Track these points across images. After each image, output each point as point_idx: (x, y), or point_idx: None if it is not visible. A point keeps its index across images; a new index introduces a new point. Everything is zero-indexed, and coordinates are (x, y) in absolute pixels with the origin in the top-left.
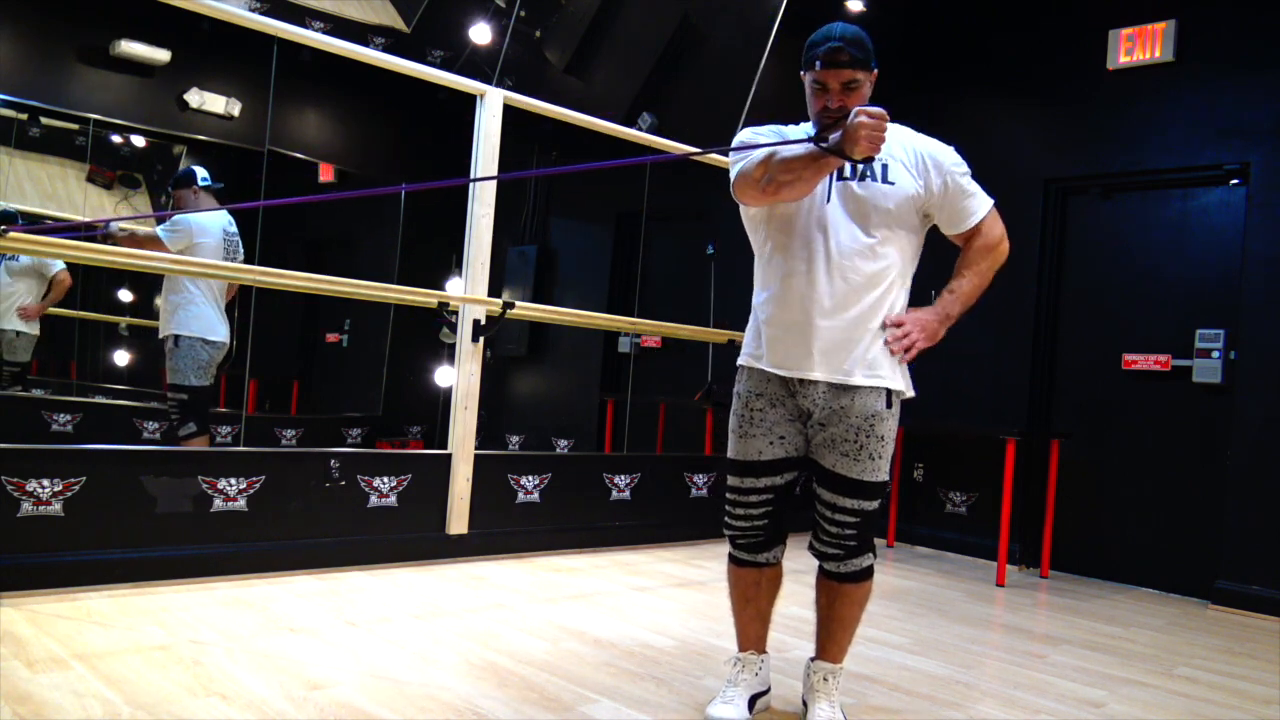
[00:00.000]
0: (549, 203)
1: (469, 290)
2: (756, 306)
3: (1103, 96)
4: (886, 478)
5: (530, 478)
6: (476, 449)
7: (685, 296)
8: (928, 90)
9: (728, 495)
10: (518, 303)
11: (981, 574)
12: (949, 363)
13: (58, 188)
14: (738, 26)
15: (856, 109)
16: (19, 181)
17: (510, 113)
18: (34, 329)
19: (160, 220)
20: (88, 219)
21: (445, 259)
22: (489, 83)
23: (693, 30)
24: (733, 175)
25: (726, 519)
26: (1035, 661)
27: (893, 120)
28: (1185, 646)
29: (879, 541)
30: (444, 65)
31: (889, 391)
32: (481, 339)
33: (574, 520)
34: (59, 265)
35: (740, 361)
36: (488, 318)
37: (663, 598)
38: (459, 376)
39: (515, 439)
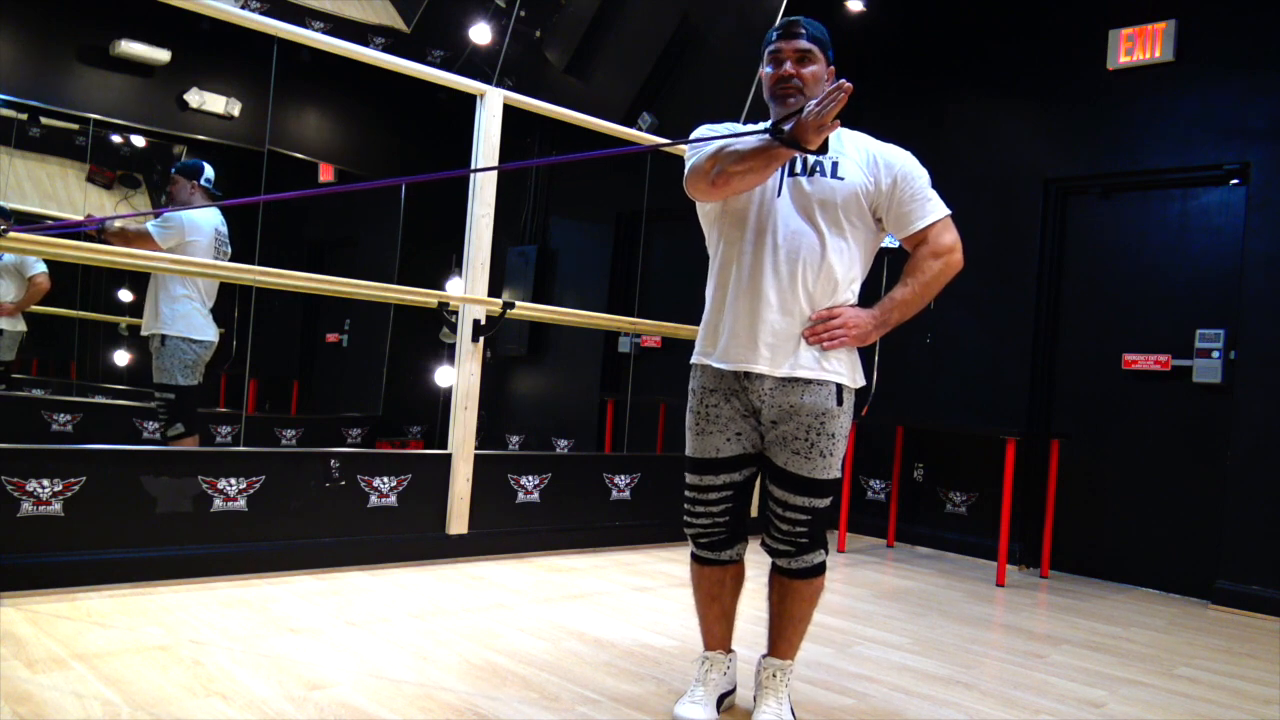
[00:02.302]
0: (549, 203)
1: (469, 290)
2: (708, 303)
3: (1103, 96)
4: (838, 474)
5: (530, 478)
6: (476, 449)
7: (685, 296)
8: (928, 91)
9: (686, 494)
10: (518, 303)
11: (981, 574)
12: (949, 363)
13: (58, 188)
14: (738, 26)
15: (810, 101)
16: (19, 181)
17: (510, 113)
18: (18, 326)
19: (156, 217)
20: (82, 217)
21: (445, 259)
22: (489, 83)
23: (693, 30)
24: (685, 171)
25: (686, 518)
26: (1035, 661)
27: (890, 121)
28: (1185, 646)
29: (878, 541)
30: (444, 65)
31: (839, 387)
32: (481, 339)
33: (574, 520)
34: (39, 267)
35: (693, 360)
36: (488, 318)
37: (663, 598)
38: (459, 376)
39: (515, 439)
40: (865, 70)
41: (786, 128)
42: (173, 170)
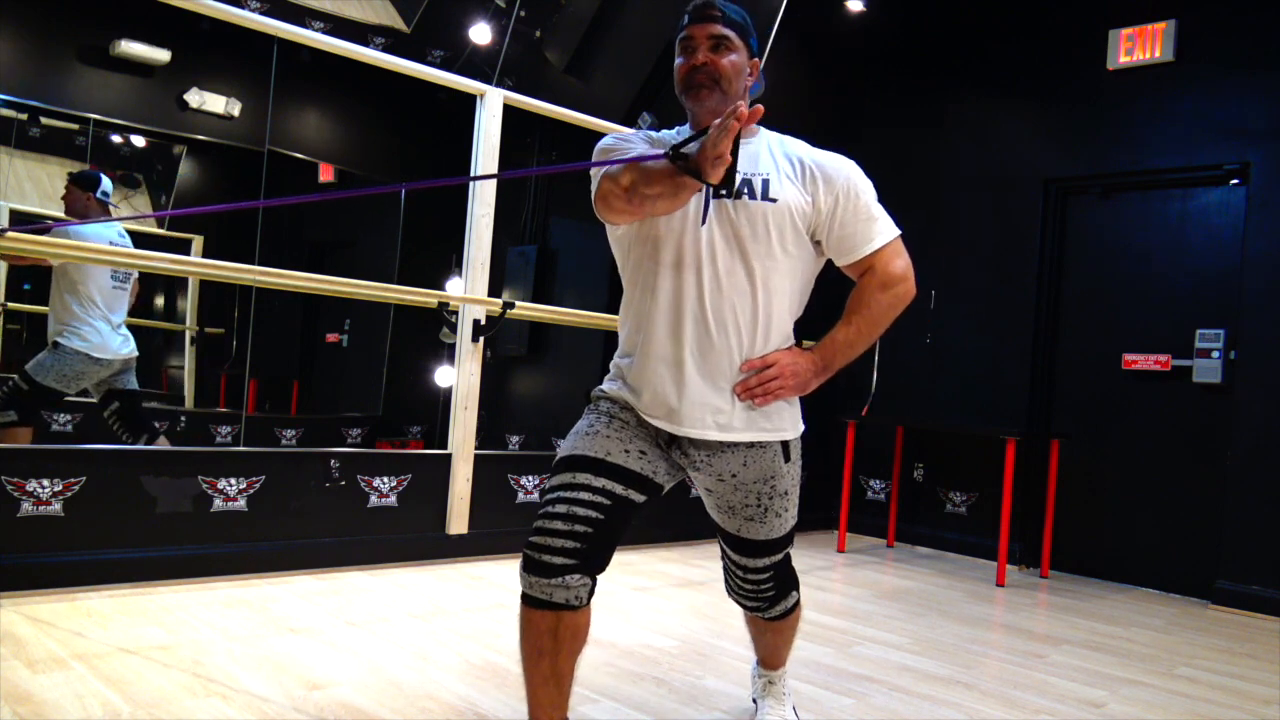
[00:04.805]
0: (549, 203)
1: (469, 290)
2: (622, 343)
3: (1103, 96)
4: (794, 522)
5: (530, 478)
6: (476, 449)
7: None
8: (928, 91)
9: (544, 498)
10: (518, 303)
11: (981, 574)
12: (949, 363)
13: (58, 188)
14: None
15: (715, 122)
16: (19, 182)
17: (510, 113)
18: None
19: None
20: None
21: (445, 259)
22: (489, 83)
23: None
24: (594, 186)
25: (534, 526)
26: (1035, 661)
27: (890, 121)
28: (1185, 646)
29: (878, 541)
30: (444, 65)
31: (784, 444)
32: (481, 339)
33: None
34: None
35: (604, 390)
36: (488, 318)
37: (663, 598)
38: (459, 376)
39: (515, 439)
40: (865, 70)
41: (690, 150)
42: (68, 179)
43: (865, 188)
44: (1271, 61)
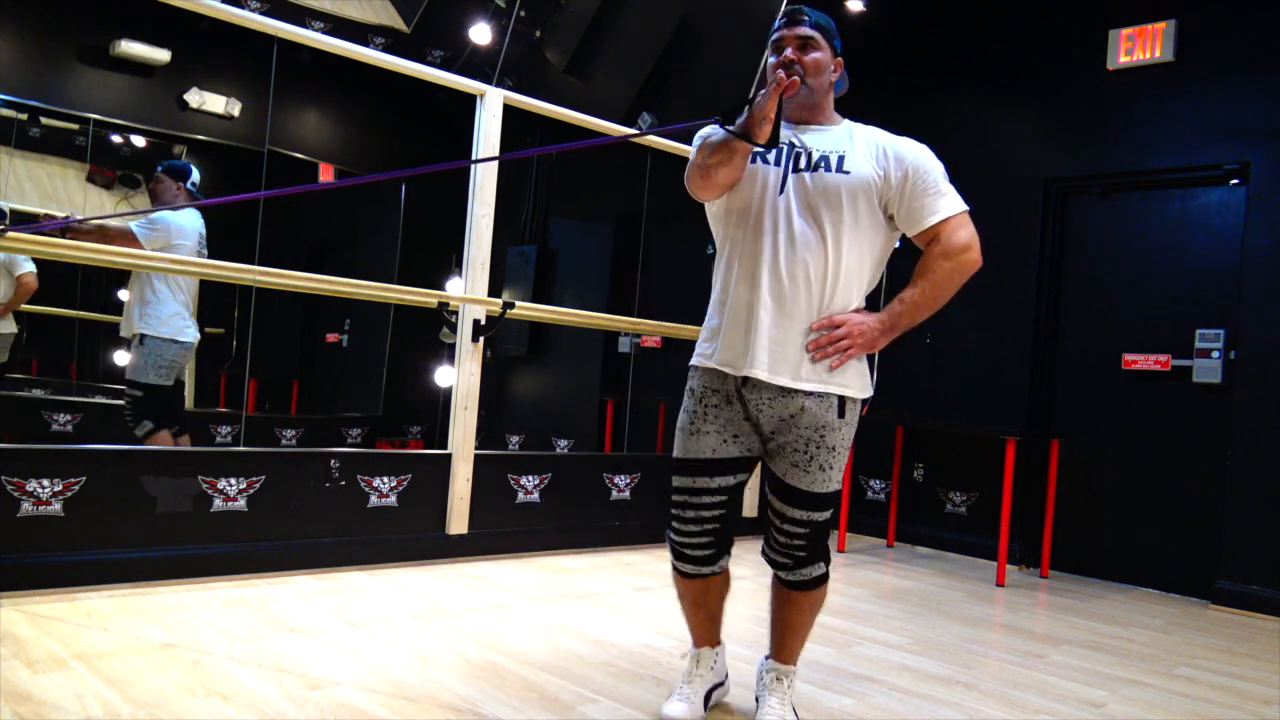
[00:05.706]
0: (549, 203)
1: (469, 290)
2: (710, 305)
3: (1103, 96)
4: (838, 488)
5: (530, 478)
6: (476, 449)
7: (685, 296)
8: (928, 91)
9: (674, 498)
10: (518, 303)
11: (981, 574)
12: (949, 363)
13: (58, 188)
14: (738, 26)
15: (762, 90)
16: (19, 182)
17: (510, 113)
18: (8, 327)
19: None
20: (81, 216)
21: (445, 259)
22: (489, 83)
23: (693, 30)
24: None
25: (674, 524)
26: (1035, 661)
27: (890, 121)
28: (1185, 646)
29: (878, 541)
30: (444, 65)
31: (842, 399)
32: (481, 339)
33: (574, 520)
34: (27, 266)
35: (693, 361)
36: (488, 318)
37: (663, 598)
38: (459, 376)
39: (515, 439)
40: (865, 70)
41: (740, 119)
42: (159, 169)
43: (934, 166)
44: (1271, 61)
